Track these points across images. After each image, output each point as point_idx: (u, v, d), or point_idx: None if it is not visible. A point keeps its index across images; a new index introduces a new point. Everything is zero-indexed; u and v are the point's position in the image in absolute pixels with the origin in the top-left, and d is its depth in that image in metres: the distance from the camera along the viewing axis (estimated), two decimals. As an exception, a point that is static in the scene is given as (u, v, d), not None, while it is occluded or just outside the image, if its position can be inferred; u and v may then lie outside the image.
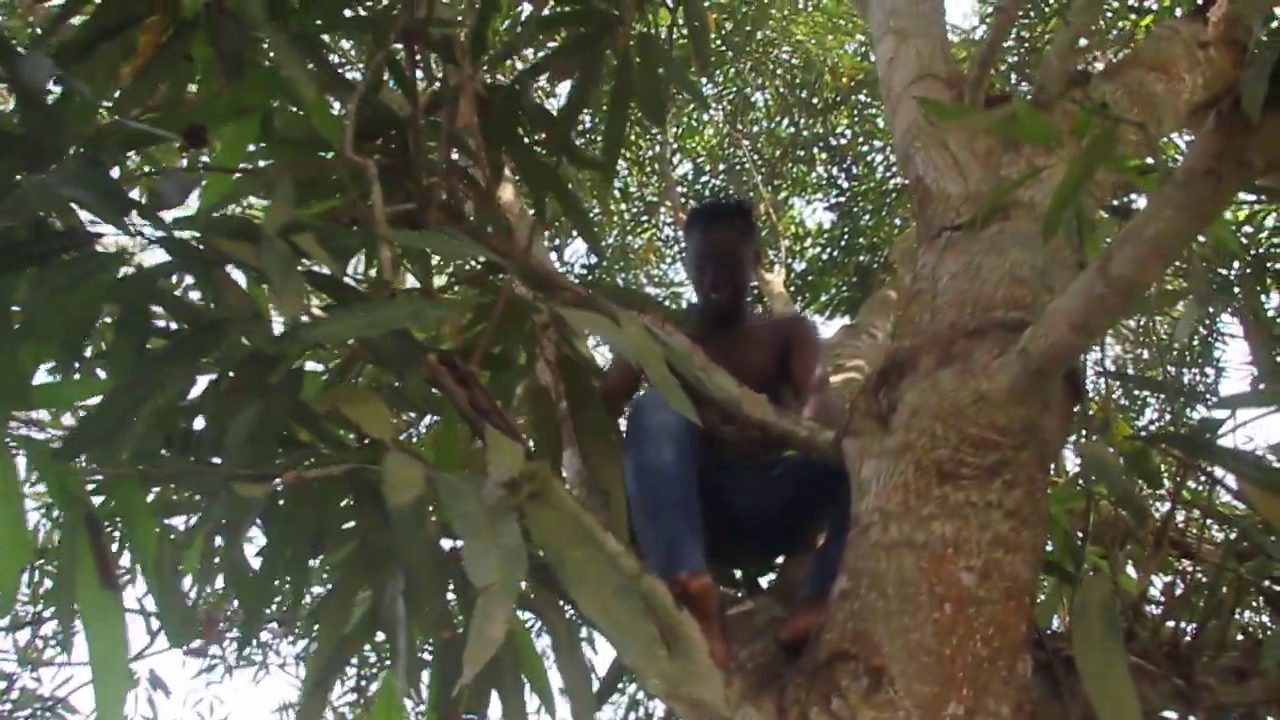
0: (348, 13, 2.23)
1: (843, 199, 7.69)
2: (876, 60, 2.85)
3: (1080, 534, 2.18)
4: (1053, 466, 2.01)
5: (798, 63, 7.10)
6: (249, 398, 1.50)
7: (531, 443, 1.83)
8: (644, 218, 7.71)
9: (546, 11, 2.44)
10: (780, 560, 2.65)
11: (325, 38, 2.35)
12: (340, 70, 2.37)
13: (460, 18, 2.52)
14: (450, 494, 1.26)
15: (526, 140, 2.52)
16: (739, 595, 2.47)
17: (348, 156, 1.85)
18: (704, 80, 7.46)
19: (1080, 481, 2.08)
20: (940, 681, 1.70)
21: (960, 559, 1.79)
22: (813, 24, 6.81)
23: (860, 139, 7.50)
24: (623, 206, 7.81)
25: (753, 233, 2.93)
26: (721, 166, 7.73)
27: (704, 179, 7.86)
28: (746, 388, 2.23)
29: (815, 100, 7.39)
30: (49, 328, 1.38)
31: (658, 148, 7.59)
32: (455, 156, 2.46)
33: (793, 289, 7.47)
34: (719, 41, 7.11)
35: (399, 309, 1.42)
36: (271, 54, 1.93)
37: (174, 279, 1.68)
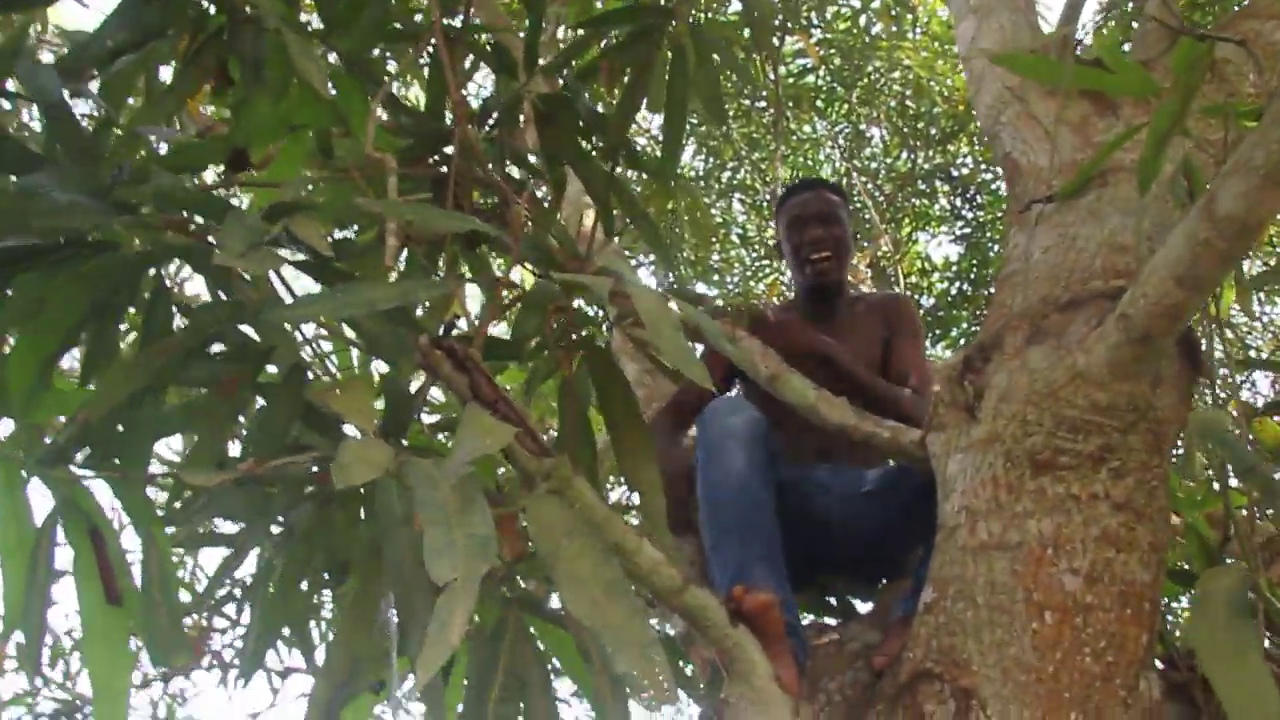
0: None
1: (968, 230, 7.35)
2: (958, 42, 2.64)
3: (1223, 539, 1.88)
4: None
5: (909, 93, 6.86)
6: (245, 395, 1.39)
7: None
8: (765, 262, 7.53)
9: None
10: (880, 586, 2.39)
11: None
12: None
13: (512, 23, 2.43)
14: (419, 480, 1.11)
15: (586, 147, 2.40)
16: (831, 623, 2.23)
17: (368, 153, 1.76)
18: (815, 118, 7.30)
19: (1209, 470, 1.79)
20: (1043, 704, 1.44)
21: (1062, 560, 1.54)
22: (921, 51, 6.57)
23: (982, 166, 7.18)
24: (743, 252, 7.65)
25: (848, 206, 2.66)
26: (840, 206, 7.50)
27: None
28: (824, 391, 2.02)
29: (932, 130, 7.12)
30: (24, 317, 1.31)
31: (772, 193, 7.44)
32: (513, 171, 2.37)
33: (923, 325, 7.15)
34: (828, 77, 6.94)
35: (386, 289, 1.30)
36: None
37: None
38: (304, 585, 1.73)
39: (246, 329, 1.57)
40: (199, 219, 1.45)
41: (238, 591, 2.98)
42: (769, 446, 2.08)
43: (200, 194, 1.34)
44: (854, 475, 2.33)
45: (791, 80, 6.94)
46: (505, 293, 1.59)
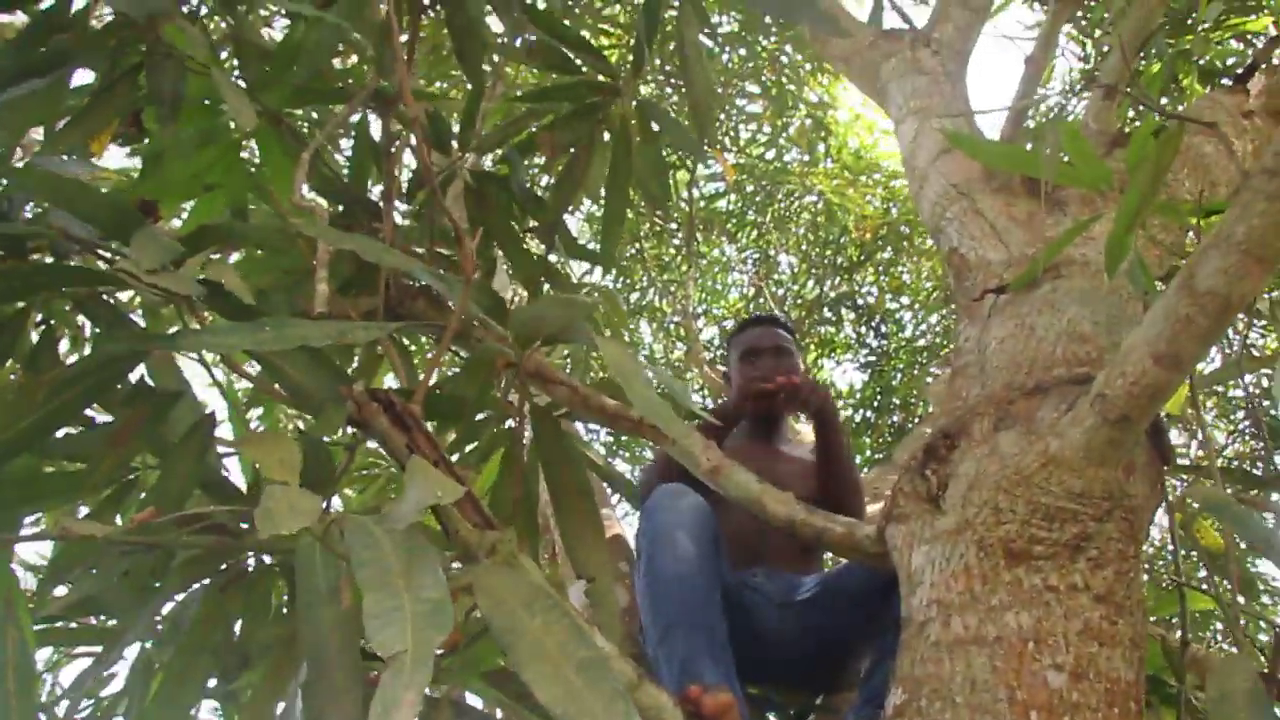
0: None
1: (873, 358, 7.44)
2: (899, 145, 2.64)
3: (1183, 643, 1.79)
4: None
5: (820, 219, 6.99)
6: (139, 448, 1.21)
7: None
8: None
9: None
10: (819, 698, 2.24)
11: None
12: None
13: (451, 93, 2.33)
14: (355, 537, 0.94)
15: (518, 229, 2.29)
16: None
17: (295, 202, 1.61)
18: (726, 242, 7.38)
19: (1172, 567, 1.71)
20: (1034, 815, 1.30)
21: (1045, 655, 1.42)
22: (833, 180, 6.72)
23: (888, 295, 7.32)
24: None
25: (797, 344, 2.76)
26: (747, 330, 7.52)
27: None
28: (768, 484, 1.90)
29: (839, 258, 7.24)
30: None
31: (680, 314, 7.44)
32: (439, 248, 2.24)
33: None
34: (740, 202, 7.04)
35: (319, 326, 1.14)
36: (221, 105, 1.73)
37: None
38: (192, 694, 1.51)
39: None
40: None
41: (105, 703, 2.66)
42: (717, 537, 1.95)
43: (108, 201, 1.17)
44: (788, 580, 2.21)
45: (704, 203, 7.02)
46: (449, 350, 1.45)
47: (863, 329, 7.63)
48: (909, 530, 1.65)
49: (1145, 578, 2.16)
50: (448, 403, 1.39)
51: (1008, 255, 2.07)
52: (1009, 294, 1.95)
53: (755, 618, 2.13)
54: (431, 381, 1.24)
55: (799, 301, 7.66)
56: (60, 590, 1.66)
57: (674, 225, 7.04)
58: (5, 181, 1.54)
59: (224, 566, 1.49)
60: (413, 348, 2.86)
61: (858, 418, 7.50)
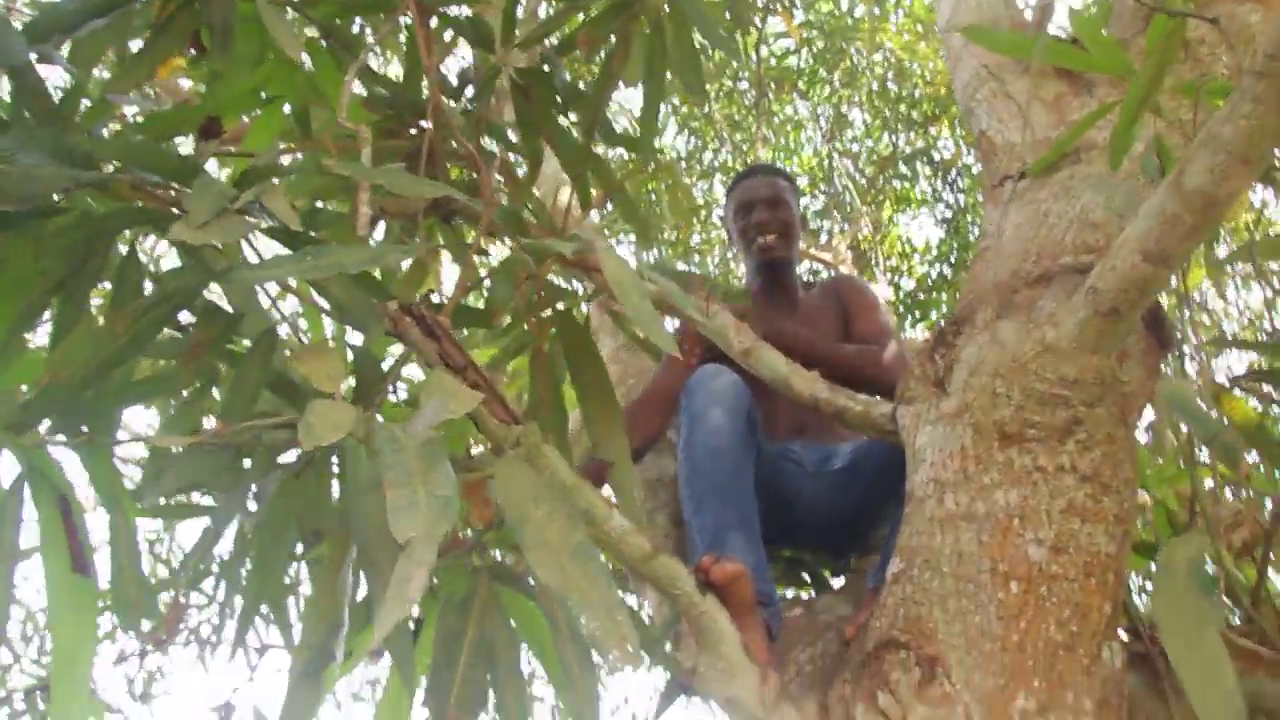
0: None
1: (949, 213, 7.37)
2: (937, 19, 2.64)
3: (1189, 514, 1.90)
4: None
5: (891, 75, 6.86)
6: (213, 361, 1.38)
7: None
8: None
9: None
10: (850, 560, 2.41)
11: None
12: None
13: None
14: (384, 442, 1.11)
15: (562, 121, 2.39)
16: (802, 596, 2.24)
17: (341, 122, 1.74)
18: (796, 97, 7.29)
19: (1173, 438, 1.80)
20: (1006, 672, 1.46)
21: (1028, 530, 1.55)
22: (903, 34, 6.56)
23: (964, 149, 7.19)
24: (724, 233, 7.64)
25: (796, 191, 2.76)
26: (822, 187, 7.50)
27: (805, 200, 7.64)
28: (795, 363, 2.03)
29: (913, 113, 7.12)
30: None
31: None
32: (489, 145, 2.35)
33: (902, 307, 7.18)
34: (810, 59, 6.93)
35: (355, 252, 1.29)
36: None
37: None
38: (280, 560, 1.73)
39: (219, 300, 1.57)
40: (171, 185, 1.44)
41: (215, 568, 2.97)
42: (752, 415, 2.09)
43: (169, 155, 1.32)
44: (825, 451, 2.35)
45: (774, 62, 6.94)
46: (478, 260, 1.60)
47: (939, 184, 7.54)
48: (916, 411, 1.77)
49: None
50: (474, 313, 1.54)
51: (1032, 137, 2.11)
52: (1028, 179, 2.00)
53: (791, 486, 2.28)
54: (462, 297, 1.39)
55: (873, 158, 7.59)
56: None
57: (744, 85, 6.99)
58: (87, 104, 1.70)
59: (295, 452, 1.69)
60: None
61: (934, 273, 7.49)
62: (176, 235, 1.09)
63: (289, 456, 1.68)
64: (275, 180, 1.33)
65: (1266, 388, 1.71)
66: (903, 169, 7.47)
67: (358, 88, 2.27)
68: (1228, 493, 2.06)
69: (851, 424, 1.95)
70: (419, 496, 1.05)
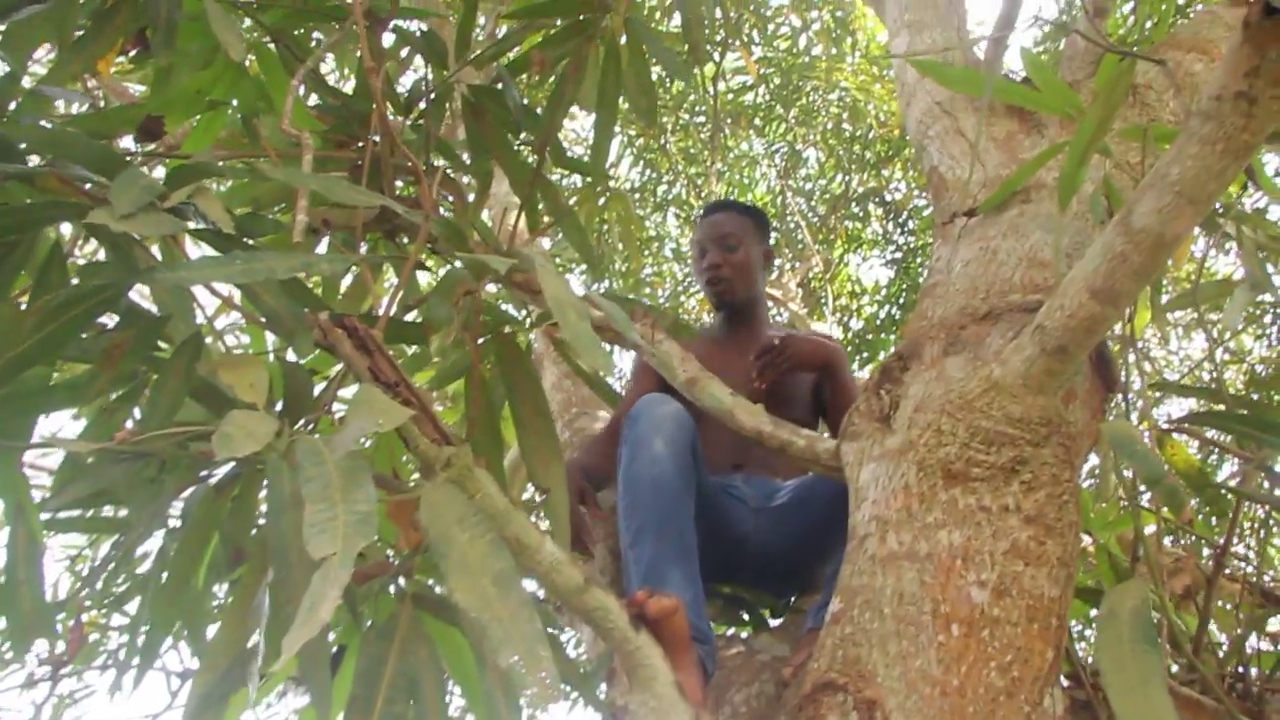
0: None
1: (899, 254, 7.44)
2: (891, 54, 2.65)
3: (1132, 559, 1.88)
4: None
5: (846, 115, 6.92)
6: (134, 367, 1.31)
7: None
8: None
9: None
10: (790, 599, 2.37)
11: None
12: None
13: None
14: (306, 455, 1.05)
15: (512, 141, 2.35)
16: (740, 635, 2.19)
17: (284, 127, 1.69)
18: (753, 136, 7.33)
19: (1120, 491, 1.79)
20: (946, 717, 1.42)
21: (971, 572, 1.52)
22: (859, 75, 6.63)
23: (915, 191, 7.27)
24: (675, 266, 7.65)
25: (761, 229, 2.72)
26: (775, 224, 7.53)
27: (756, 238, 7.65)
28: (740, 396, 1.99)
29: (867, 154, 7.19)
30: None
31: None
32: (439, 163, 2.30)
33: (850, 347, 7.21)
34: (767, 95, 6.98)
35: (287, 259, 1.23)
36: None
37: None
38: (193, 579, 1.66)
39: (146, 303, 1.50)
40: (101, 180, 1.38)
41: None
42: (695, 447, 2.05)
43: (98, 148, 1.26)
44: (767, 486, 2.31)
45: (730, 96, 6.97)
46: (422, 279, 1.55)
47: (890, 225, 7.61)
48: (860, 448, 1.74)
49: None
50: (409, 328, 1.48)
51: (983, 175, 2.11)
52: (978, 216, 2.00)
53: (732, 521, 2.24)
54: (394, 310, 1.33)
55: (825, 196, 7.64)
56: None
57: (700, 119, 7.01)
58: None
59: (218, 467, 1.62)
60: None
61: (882, 314, 7.54)
62: (95, 219, 1.03)
63: (222, 472, 1.61)
64: (209, 181, 1.27)
65: (1209, 433, 1.70)
66: (855, 209, 7.53)
67: (313, 100, 2.22)
68: (1168, 540, 2.05)
69: (795, 459, 1.92)
70: (337, 513, 0.99)
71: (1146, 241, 1.42)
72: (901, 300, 7.36)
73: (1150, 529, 1.92)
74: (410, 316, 1.62)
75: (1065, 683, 1.67)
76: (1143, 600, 1.31)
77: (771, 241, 2.77)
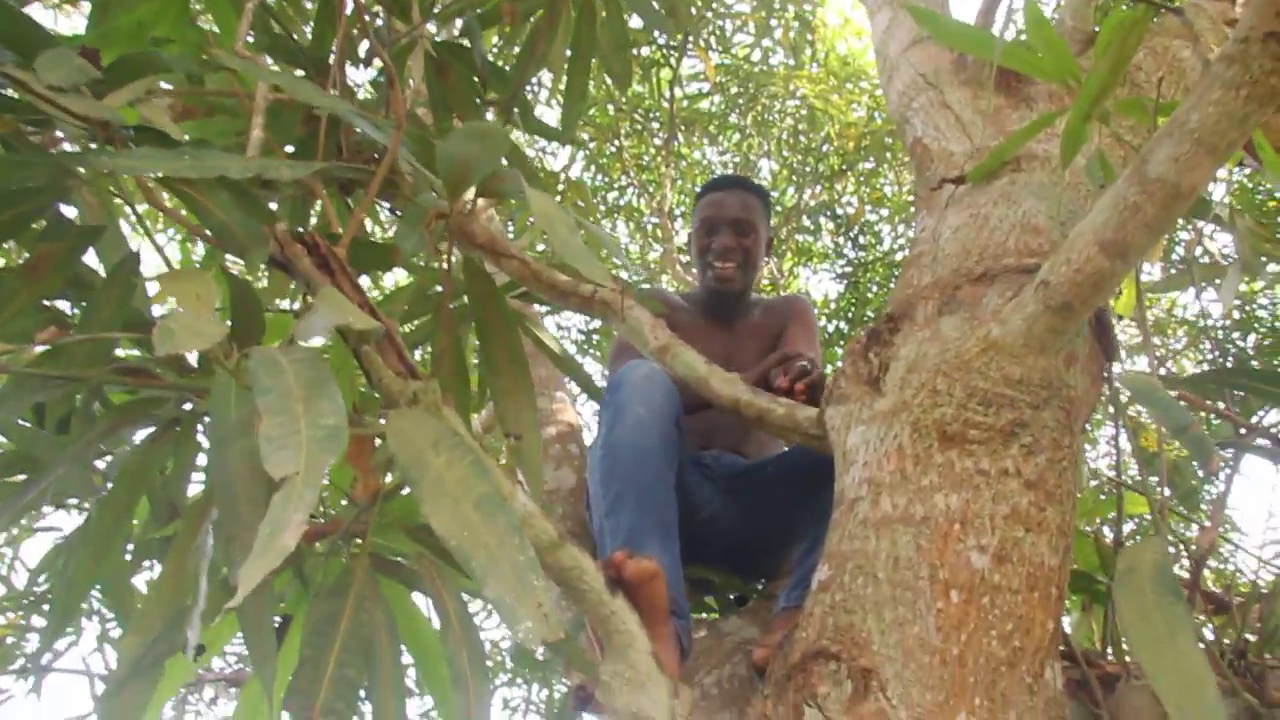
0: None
1: (849, 269, 7.41)
2: (872, 35, 2.58)
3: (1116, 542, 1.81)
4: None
5: (803, 125, 6.88)
6: (57, 284, 1.17)
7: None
8: (646, 285, 7.43)
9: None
10: (760, 584, 2.26)
11: None
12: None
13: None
14: (261, 365, 0.93)
15: (479, 102, 2.24)
16: (711, 618, 2.08)
17: (239, 52, 1.56)
18: (707, 144, 7.28)
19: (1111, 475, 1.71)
20: (946, 687, 1.32)
21: (970, 537, 1.43)
22: (817, 85, 6.60)
23: (868, 206, 7.26)
24: (624, 275, 7.53)
25: (768, 212, 2.59)
26: (725, 235, 7.45)
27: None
28: (715, 365, 1.89)
29: (821, 166, 7.16)
30: None
31: (658, 215, 7.36)
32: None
33: (798, 361, 7.14)
34: (723, 103, 6.92)
35: (242, 160, 1.11)
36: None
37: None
38: (118, 541, 1.51)
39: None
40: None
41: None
42: (679, 420, 1.94)
43: (20, 19, 1.12)
44: (737, 463, 2.21)
45: (685, 104, 6.90)
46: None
47: (841, 239, 7.58)
48: (847, 411, 1.64)
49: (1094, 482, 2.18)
50: (375, 250, 1.36)
51: (970, 147, 2.04)
52: (967, 185, 1.92)
53: (700, 498, 2.13)
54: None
55: (778, 209, 7.60)
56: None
57: (655, 124, 6.94)
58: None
59: (153, 418, 1.48)
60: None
61: (831, 328, 7.49)
62: (12, 73, 0.89)
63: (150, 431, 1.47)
64: (152, 75, 1.14)
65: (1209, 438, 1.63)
66: (806, 222, 7.49)
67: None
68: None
69: (773, 428, 1.82)
70: (299, 426, 0.87)
71: (1161, 192, 1.35)
72: (850, 314, 7.33)
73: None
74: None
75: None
76: (1163, 554, 1.22)
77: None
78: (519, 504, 1.30)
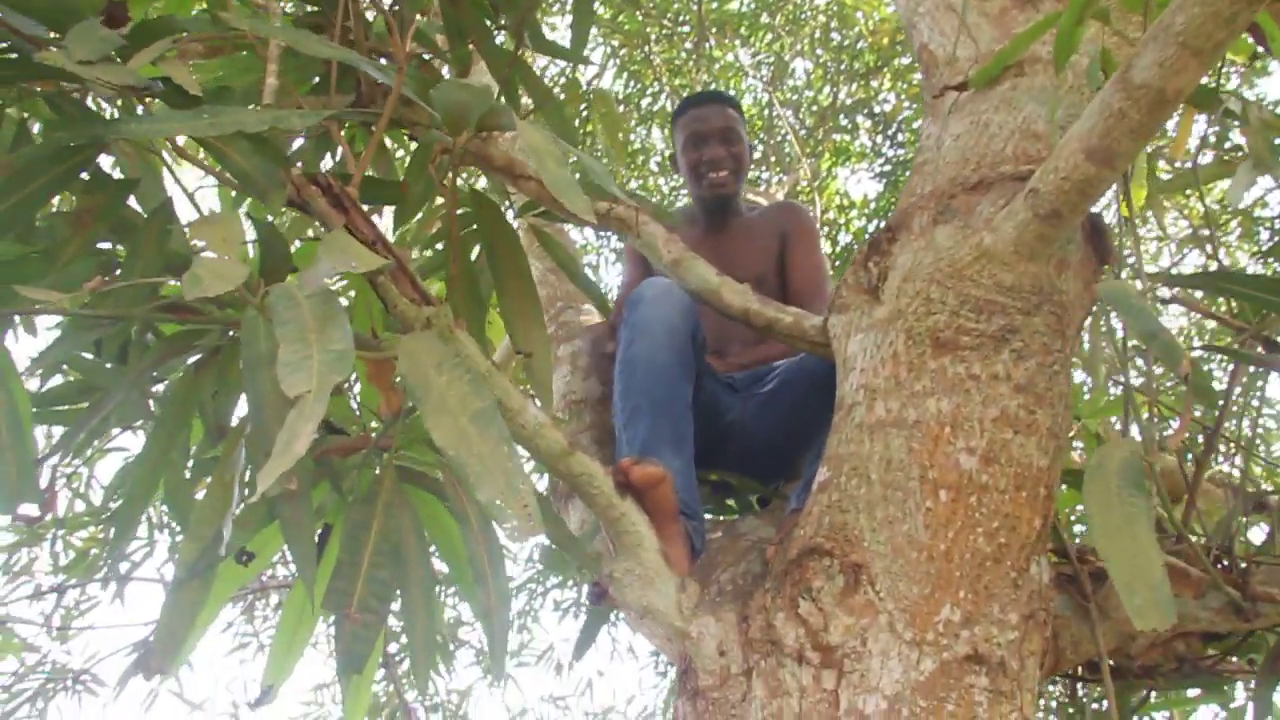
0: None
1: (888, 168, 7.34)
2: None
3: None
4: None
5: (835, 25, 6.78)
6: (102, 231, 1.27)
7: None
8: (683, 190, 7.44)
9: None
10: (776, 485, 2.36)
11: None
12: None
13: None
14: (280, 300, 1.02)
15: (490, 25, 2.28)
16: (731, 519, 2.19)
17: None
18: (739, 46, 7.20)
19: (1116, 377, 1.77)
20: (932, 581, 1.42)
21: (960, 439, 1.50)
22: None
23: (905, 103, 7.16)
24: (661, 182, 7.54)
25: (744, 119, 2.69)
26: (762, 135, 7.43)
27: (742, 150, 7.54)
28: (727, 277, 1.96)
29: (855, 64, 7.06)
30: None
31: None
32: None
33: (839, 261, 7.16)
34: (753, 4, 6.83)
35: (256, 114, 1.19)
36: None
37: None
38: (176, 453, 1.64)
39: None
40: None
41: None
42: (697, 336, 2.02)
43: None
44: (753, 372, 2.29)
45: (715, 5, 6.82)
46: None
47: (879, 137, 7.50)
48: (848, 319, 1.71)
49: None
50: (385, 186, 1.44)
51: (975, 52, 2.05)
52: (970, 91, 1.95)
53: (718, 406, 2.22)
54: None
55: (813, 109, 7.52)
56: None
57: (685, 29, 6.87)
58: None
59: (198, 348, 1.59)
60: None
61: (871, 228, 7.47)
62: (48, 60, 0.98)
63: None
64: (171, 39, 1.21)
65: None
66: (843, 121, 7.41)
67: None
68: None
69: (781, 336, 1.89)
70: (312, 351, 0.97)
71: (1146, 98, 1.38)
72: (890, 213, 7.29)
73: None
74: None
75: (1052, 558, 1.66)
76: (1132, 453, 1.30)
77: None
78: (530, 416, 1.40)
